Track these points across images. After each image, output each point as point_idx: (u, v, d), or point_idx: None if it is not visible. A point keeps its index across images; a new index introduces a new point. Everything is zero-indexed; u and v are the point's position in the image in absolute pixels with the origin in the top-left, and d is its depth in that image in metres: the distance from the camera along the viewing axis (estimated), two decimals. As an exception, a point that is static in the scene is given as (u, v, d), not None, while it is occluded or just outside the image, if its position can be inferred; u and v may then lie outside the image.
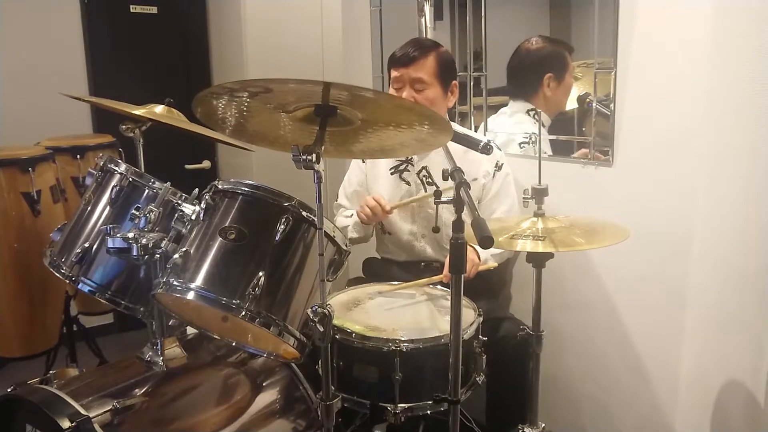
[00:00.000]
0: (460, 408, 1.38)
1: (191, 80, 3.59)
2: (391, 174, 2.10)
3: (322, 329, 1.22)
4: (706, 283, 1.77)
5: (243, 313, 1.33)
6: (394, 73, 1.98)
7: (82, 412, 1.34)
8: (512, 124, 2.27)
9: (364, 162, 2.17)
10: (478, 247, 1.84)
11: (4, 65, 3.08)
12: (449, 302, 1.29)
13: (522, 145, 2.21)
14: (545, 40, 2.16)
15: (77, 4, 3.27)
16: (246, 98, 1.26)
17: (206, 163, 3.69)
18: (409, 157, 2.07)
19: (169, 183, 1.62)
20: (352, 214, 2.09)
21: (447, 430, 1.36)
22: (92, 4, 3.30)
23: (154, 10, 3.49)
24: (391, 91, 1.98)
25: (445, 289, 1.82)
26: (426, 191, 2.04)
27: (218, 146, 3.70)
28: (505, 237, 1.54)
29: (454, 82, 2.02)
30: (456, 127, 1.63)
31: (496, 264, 1.91)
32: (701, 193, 1.73)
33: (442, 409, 1.49)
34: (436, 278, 1.82)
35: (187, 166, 3.62)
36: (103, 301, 1.62)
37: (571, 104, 2.08)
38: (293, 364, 1.69)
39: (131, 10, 3.43)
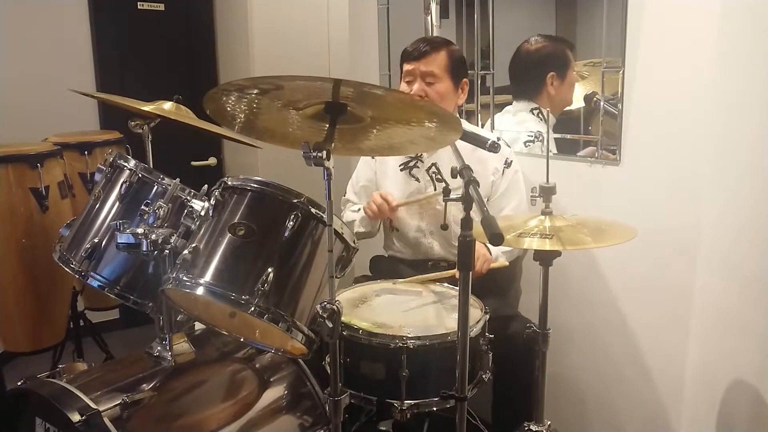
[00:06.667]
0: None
1: (198, 77, 3.61)
2: (401, 170, 2.10)
3: (331, 325, 1.22)
4: (712, 282, 1.77)
5: (252, 308, 1.34)
6: (406, 67, 2.00)
7: (92, 405, 1.35)
8: (516, 123, 2.27)
9: (373, 158, 2.17)
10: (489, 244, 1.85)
11: (12, 62, 3.10)
12: (456, 300, 1.29)
13: (527, 144, 2.21)
14: (544, 38, 2.16)
15: (85, 1, 3.28)
16: (256, 95, 1.26)
17: (212, 160, 3.71)
18: (419, 154, 2.07)
19: (178, 179, 1.63)
20: (359, 209, 2.11)
21: (452, 427, 1.37)
22: (99, 1, 3.32)
23: (161, 6, 3.51)
24: (403, 85, 2.00)
25: (452, 286, 1.82)
26: (435, 188, 2.05)
27: (224, 143, 3.72)
28: (513, 235, 1.54)
29: (464, 79, 2.03)
30: (465, 124, 1.63)
31: (507, 263, 1.93)
32: (708, 192, 1.73)
33: (448, 406, 1.50)
34: (448, 273, 1.83)
35: (193, 163, 3.63)
36: (112, 296, 1.63)
37: (578, 103, 2.08)
38: (300, 360, 1.70)
39: (138, 7, 3.45)
